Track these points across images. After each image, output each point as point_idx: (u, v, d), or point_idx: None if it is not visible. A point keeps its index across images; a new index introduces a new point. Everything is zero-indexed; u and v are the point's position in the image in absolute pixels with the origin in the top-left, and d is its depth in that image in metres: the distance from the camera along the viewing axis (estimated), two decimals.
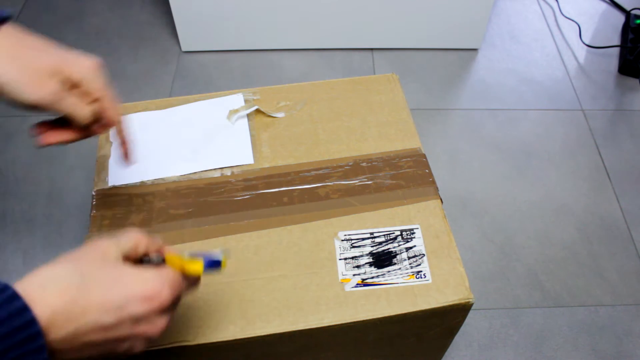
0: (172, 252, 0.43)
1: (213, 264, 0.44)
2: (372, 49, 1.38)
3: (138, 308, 0.36)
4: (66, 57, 0.46)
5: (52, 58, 0.45)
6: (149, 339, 0.38)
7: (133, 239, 0.41)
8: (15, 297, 0.33)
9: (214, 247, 0.59)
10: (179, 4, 1.26)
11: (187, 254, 0.44)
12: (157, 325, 0.38)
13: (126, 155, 0.56)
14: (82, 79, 0.47)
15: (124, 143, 0.54)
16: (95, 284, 0.36)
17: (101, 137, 0.68)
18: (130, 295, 0.36)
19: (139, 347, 0.38)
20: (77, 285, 0.35)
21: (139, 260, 0.42)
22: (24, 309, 0.32)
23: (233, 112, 0.70)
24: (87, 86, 0.47)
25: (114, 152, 0.67)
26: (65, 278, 0.35)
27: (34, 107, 0.45)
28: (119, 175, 0.64)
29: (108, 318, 0.35)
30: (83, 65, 0.47)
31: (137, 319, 0.36)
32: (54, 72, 0.45)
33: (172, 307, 0.40)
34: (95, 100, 0.48)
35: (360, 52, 1.38)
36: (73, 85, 0.47)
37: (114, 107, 0.49)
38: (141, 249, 0.41)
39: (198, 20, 1.29)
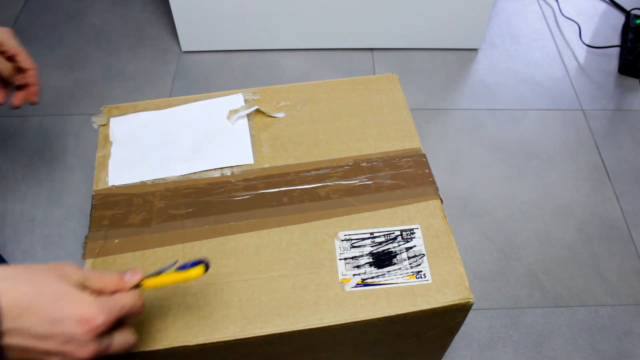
0: (154, 278, 0.46)
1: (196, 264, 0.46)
2: (372, 49, 1.38)
3: (71, 328, 0.37)
4: None
5: None
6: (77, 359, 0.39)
7: (103, 280, 0.42)
8: None
9: (215, 247, 0.59)
10: (179, 4, 1.26)
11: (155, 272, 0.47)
12: (86, 349, 0.38)
13: (34, 95, 0.68)
14: (15, 53, 0.63)
15: (33, 85, 0.67)
16: (41, 296, 0.37)
17: (101, 137, 0.68)
18: (67, 314, 0.37)
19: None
20: (24, 291, 0.37)
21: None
22: None
23: (233, 112, 0.70)
24: (5, 47, 0.63)
25: (114, 151, 0.67)
26: (17, 281, 0.37)
27: None
28: (119, 175, 0.64)
29: (41, 329, 0.36)
30: (14, 43, 0.63)
31: (68, 339, 0.37)
32: None
33: (105, 334, 0.40)
34: (13, 56, 0.64)
35: (360, 52, 1.38)
36: (8, 58, 0.63)
37: (27, 58, 0.65)
38: (108, 290, 0.42)
39: (198, 20, 1.29)
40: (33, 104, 0.69)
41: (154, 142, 0.68)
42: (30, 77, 0.67)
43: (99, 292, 0.41)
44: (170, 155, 0.66)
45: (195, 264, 0.46)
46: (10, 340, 0.36)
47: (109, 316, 0.39)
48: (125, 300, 0.41)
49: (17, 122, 1.22)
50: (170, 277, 0.46)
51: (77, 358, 0.38)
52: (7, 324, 0.36)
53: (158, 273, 0.47)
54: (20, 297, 0.36)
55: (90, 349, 0.38)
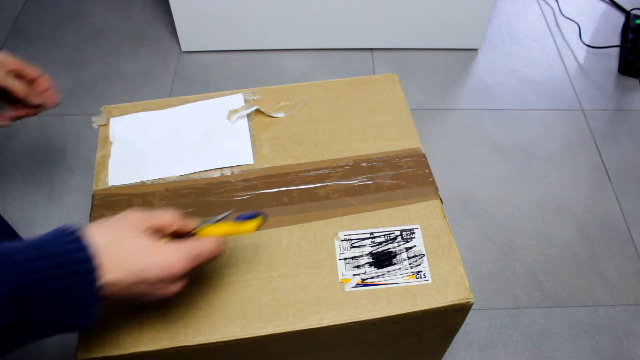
0: (212, 226, 0.49)
1: (251, 217, 0.49)
2: (372, 49, 1.38)
3: (155, 274, 0.43)
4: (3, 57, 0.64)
5: None
6: (164, 297, 0.45)
7: (165, 219, 0.46)
8: (73, 232, 0.41)
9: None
10: (179, 4, 1.26)
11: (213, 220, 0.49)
12: (170, 289, 0.44)
13: (53, 98, 0.69)
14: (20, 68, 0.65)
15: (49, 88, 0.68)
16: (123, 249, 0.42)
17: (101, 137, 0.68)
18: (149, 263, 0.43)
19: (156, 301, 0.45)
20: (109, 246, 0.42)
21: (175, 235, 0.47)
22: (79, 239, 0.40)
23: (233, 112, 0.70)
24: (10, 66, 0.64)
25: (114, 151, 0.67)
26: (102, 238, 0.42)
27: None
28: (118, 175, 0.64)
29: (131, 278, 0.42)
30: (15, 60, 0.65)
31: (153, 283, 0.43)
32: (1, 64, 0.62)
33: (185, 275, 0.45)
34: (20, 72, 0.65)
35: (360, 52, 1.38)
36: (17, 75, 0.64)
37: (33, 67, 0.67)
38: (171, 229, 0.47)
39: (198, 20, 1.29)
40: (57, 104, 0.71)
41: (153, 142, 0.68)
42: (44, 83, 0.68)
43: (162, 231, 0.46)
44: (170, 155, 0.66)
45: (252, 215, 0.48)
46: (106, 292, 0.41)
47: (186, 263, 0.44)
48: (207, 245, 0.46)
49: (17, 122, 1.22)
50: (226, 228, 0.47)
51: (164, 295, 0.44)
52: (104, 280, 0.41)
53: (215, 221, 0.48)
54: (110, 258, 0.41)
55: (175, 288, 0.45)
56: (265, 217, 0.49)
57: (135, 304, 0.45)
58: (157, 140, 0.68)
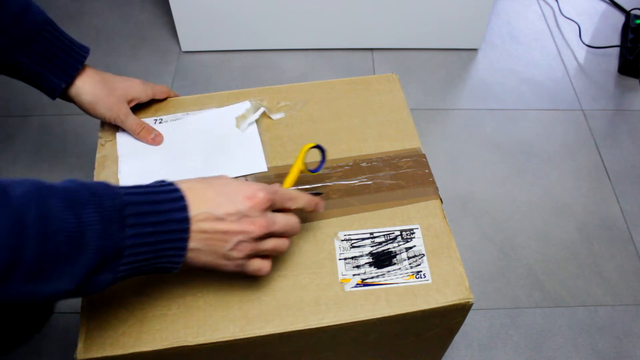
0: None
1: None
2: (372, 49, 1.38)
3: (241, 204, 0.46)
4: (130, 83, 0.68)
5: (123, 85, 0.66)
6: (252, 238, 0.47)
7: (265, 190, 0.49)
8: (169, 183, 0.46)
9: None
10: (179, 4, 1.26)
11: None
12: (257, 223, 0.47)
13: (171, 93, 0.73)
14: (139, 97, 0.69)
15: (170, 93, 0.73)
16: (213, 187, 0.47)
17: (101, 138, 0.68)
18: (236, 193, 0.47)
19: (244, 249, 0.48)
20: (199, 186, 0.46)
21: None
22: (176, 189, 0.46)
23: (240, 118, 0.69)
24: (142, 99, 0.69)
25: (122, 168, 0.66)
26: (193, 182, 0.47)
27: (109, 122, 0.67)
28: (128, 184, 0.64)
29: (218, 210, 0.45)
30: (139, 89, 0.68)
31: (241, 216, 0.46)
32: (125, 97, 0.66)
33: (269, 209, 0.49)
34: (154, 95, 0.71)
35: (360, 52, 1.38)
36: (132, 101, 0.68)
37: (162, 88, 0.72)
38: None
39: (198, 20, 1.29)
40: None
41: (163, 156, 0.67)
42: (169, 94, 0.73)
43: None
44: (181, 169, 0.65)
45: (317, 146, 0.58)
46: (197, 225, 0.45)
47: (269, 194, 0.48)
48: (282, 190, 0.51)
49: (17, 122, 1.22)
50: (295, 167, 0.56)
51: (252, 233, 0.47)
52: (193, 211, 0.45)
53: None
54: (199, 190, 0.46)
55: (260, 222, 0.47)
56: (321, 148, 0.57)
57: (223, 261, 0.48)
58: (166, 154, 0.67)
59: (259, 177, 0.64)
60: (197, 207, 0.45)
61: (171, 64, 1.34)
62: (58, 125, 1.21)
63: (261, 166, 0.65)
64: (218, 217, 0.46)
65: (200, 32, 1.32)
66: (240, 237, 0.47)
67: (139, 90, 0.68)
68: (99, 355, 0.51)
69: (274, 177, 0.64)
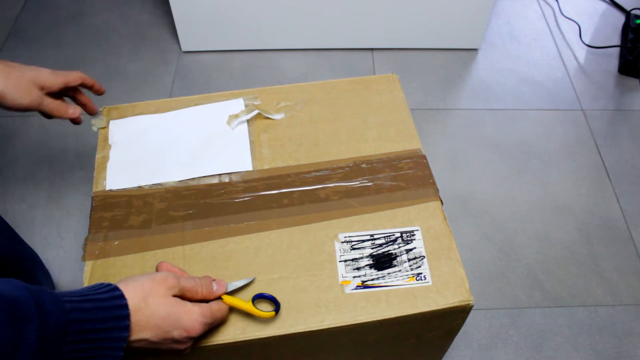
0: (233, 297, 0.54)
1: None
2: (372, 49, 1.38)
3: (178, 335, 0.48)
4: (38, 71, 0.65)
5: (30, 73, 0.64)
6: (180, 351, 0.51)
7: (192, 286, 0.51)
8: (113, 287, 0.46)
9: (215, 249, 0.59)
10: (179, 4, 1.25)
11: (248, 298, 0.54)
12: (187, 344, 0.50)
13: (98, 88, 0.71)
14: (51, 85, 0.66)
15: (92, 82, 0.70)
16: (155, 313, 0.47)
17: (100, 139, 0.68)
18: (176, 326, 0.48)
19: (171, 353, 0.51)
20: (141, 308, 0.46)
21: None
22: (116, 289, 0.46)
23: (233, 117, 0.69)
24: (54, 88, 0.66)
25: (113, 154, 0.67)
26: (134, 299, 0.46)
27: (24, 110, 0.64)
28: (117, 179, 0.64)
29: (156, 338, 0.47)
30: (48, 76, 0.65)
31: (175, 341, 0.49)
32: (35, 83, 0.64)
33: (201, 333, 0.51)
34: (65, 85, 0.67)
35: (360, 52, 1.38)
36: (44, 89, 0.65)
37: (69, 72, 0.68)
38: (197, 297, 0.51)
39: (198, 20, 1.29)
40: (102, 93, 0.73)
41: (153, 147, 0.67)
42: (85, 80, 0.70)
43: (191, 296, 0.51)
44: (168, 160, 0.66)
45: (270, 297, 0.54)
46: (132, 344, 0.46)
47: (206, 326, 0.50)
48: (221, 314, 0.52)
49: (17, 122, 1.22)
50: (245, 306, 0.53)
51: (180, 350, 0.50)
52: (134, 336, 0.46)
53: (239, 287, 0.54)
54: (141, 318, 0.46)
55: (190, 343, 0.50)
56: (278, 309, 0.54)
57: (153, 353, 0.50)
58: (156, 145, 0.68)
59: (244, 175, 0.64)
60: (138, 332, 0.46)
61: (171, 64, 1.34)
62: (58, 125, 1.21)
63: (246, 165, 0.65)
64: (153, 342, 0.48)
65: (201, 32, 1.32)
66: (168, 348, 0.49)
67: (48, 76, 0.65)
68: None
69: (258, 175, 0.64)
